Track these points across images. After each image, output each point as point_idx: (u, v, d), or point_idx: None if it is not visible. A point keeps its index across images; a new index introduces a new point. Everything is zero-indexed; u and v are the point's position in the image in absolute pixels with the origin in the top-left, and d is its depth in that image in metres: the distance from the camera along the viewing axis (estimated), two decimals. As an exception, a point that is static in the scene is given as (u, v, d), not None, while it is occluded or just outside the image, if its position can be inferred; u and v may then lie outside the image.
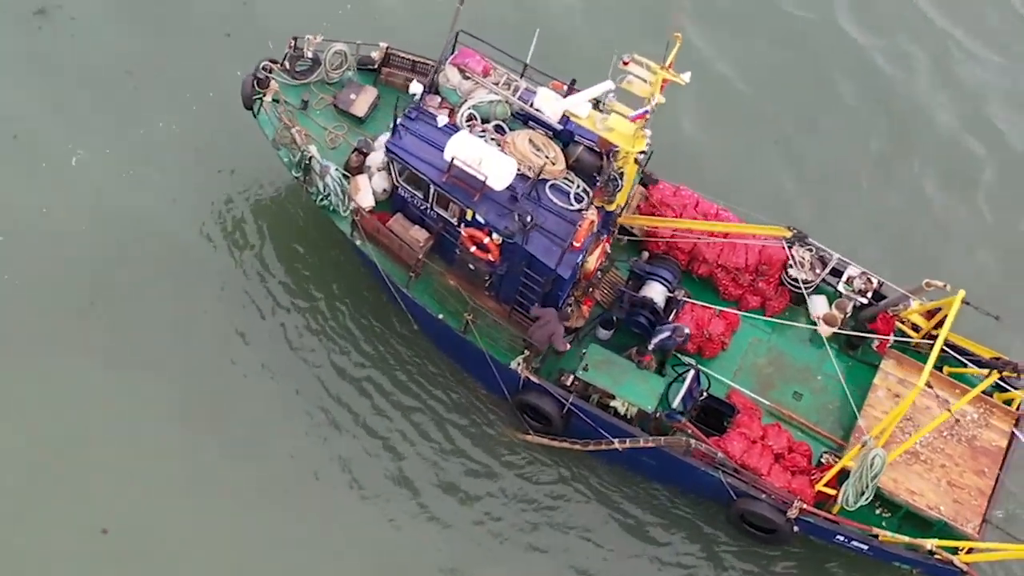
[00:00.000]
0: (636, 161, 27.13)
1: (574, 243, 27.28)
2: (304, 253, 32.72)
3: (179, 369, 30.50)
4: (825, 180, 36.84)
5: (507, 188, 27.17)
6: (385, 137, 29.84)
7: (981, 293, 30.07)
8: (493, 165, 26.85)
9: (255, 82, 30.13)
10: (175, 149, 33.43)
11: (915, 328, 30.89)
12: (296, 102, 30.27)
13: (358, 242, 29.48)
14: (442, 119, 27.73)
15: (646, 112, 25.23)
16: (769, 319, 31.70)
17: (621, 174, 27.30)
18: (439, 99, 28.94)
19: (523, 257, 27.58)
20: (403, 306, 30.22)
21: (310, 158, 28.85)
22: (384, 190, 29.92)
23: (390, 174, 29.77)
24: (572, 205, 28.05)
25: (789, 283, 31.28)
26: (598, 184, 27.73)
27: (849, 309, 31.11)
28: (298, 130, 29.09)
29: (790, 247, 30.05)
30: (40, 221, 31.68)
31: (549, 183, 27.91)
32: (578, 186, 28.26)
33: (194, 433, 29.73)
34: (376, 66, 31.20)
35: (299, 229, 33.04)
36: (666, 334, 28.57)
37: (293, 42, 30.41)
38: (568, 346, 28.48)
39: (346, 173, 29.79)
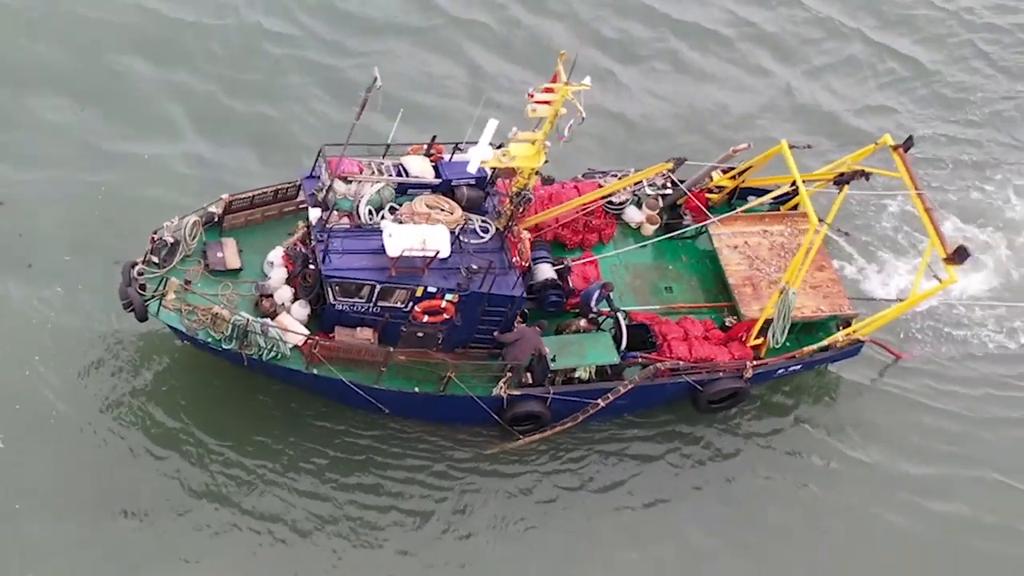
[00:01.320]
0: (537, 173, 30.11)
1: (523, 263, 30.25)
2: (232, 412, 32.87)
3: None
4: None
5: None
6: (277, 274, 30.97)
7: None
8: (435, 238, 29.09)
9: (138, 288, 29.83)
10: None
11: (720, 189, 36.09)
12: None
13: (316, 371, 30.34)
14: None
15: (571, 125, 28.41)
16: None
17: (529, 189, 30.32)
18: (335, 214, 30.20)
19: (480, 300, 30.06)
20: (373, 401, 31.48)
21: (247, 323, 29.34)
22: (306, 315, 30.85)
23: (307, 300, 30.89)
24: (484, 237, 30.70)
25: (610, 209, 35.45)
26: (510, 207, 30.57)
27: (661, 203, 35.80)
28: (219, 309, 29.49)
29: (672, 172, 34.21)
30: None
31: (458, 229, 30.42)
32: (480, 220, 30.97)
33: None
34: (217, 218, 31.44)
35: (215, 394, 33.14)
36: (597, 293, 32.43)
37: (153, 236, 30.17)
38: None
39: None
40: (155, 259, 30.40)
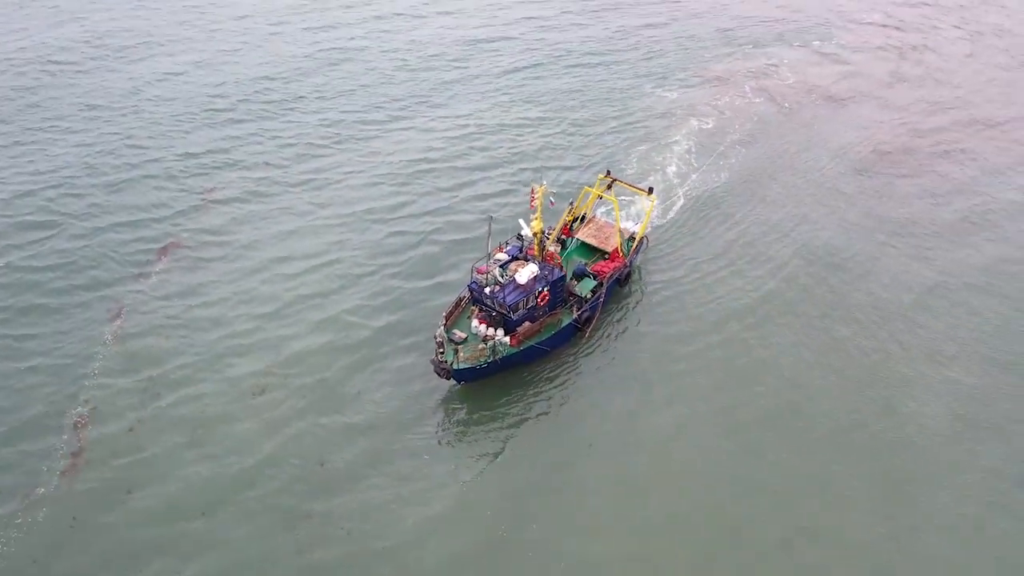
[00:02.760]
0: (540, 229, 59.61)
1: (559, 262, 59.52)
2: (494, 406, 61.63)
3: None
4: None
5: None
6: (481, 328, 59.48)
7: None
8: (533, 269, 60.21)
9: (444, 363, 57.38)
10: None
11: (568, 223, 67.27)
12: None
13: (521, 347, 58.66)
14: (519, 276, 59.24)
15: (552, 200, 58.42)
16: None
17: (543, 239, 59.37)
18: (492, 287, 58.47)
19: (555, 283, 60.57)
20: (543, 348, 62.57)
21: (494, 344, 56.16)
22: (503, 332, 59.40)
23: (500, 326, 59.62)
24: (538, 266, 60.17)
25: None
26: (544, 247, 59.25)
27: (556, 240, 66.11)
28: (483, 346, 57.00)
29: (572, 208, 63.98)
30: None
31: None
32: (531, 262, 60.20)
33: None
34: (444, 323, 58.96)
35: (486, 404, 61.37)
36: (583, 267, 62.43)
37: (435, 339, 57.05)
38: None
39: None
40: (440, 350, 58.19)
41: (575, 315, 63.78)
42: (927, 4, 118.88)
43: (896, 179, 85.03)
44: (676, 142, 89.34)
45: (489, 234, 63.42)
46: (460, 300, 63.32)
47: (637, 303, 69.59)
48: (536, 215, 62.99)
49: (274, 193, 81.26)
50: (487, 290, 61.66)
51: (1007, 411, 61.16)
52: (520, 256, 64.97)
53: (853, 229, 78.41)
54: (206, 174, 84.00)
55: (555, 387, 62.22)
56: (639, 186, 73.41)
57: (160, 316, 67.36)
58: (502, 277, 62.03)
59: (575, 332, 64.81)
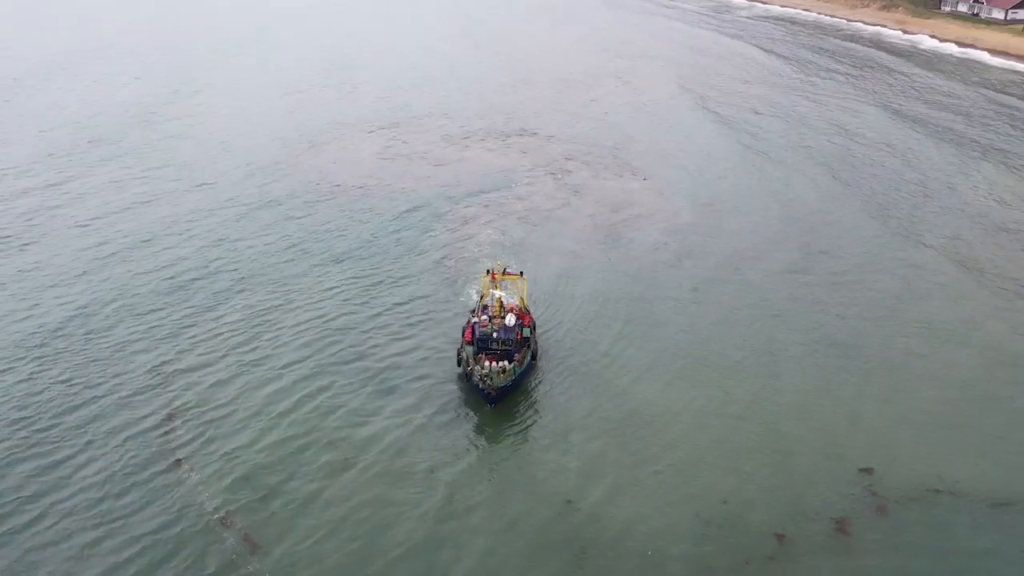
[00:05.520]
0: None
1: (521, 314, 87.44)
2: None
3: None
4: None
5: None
6: (493, 365, 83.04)
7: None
8: (514, 318, 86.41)
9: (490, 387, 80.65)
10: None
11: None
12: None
13: (522, 368, 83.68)
14: (508, 321, 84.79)
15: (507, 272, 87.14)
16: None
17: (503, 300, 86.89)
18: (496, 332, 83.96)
19: (521, 327, 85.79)
20: (525, 371, 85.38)
21: (512, 368, 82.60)
22: (508, 362, 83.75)
23: (505, 358, 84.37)
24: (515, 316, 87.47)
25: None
26: (499, 306, 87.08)
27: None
28: (509, 370, 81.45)
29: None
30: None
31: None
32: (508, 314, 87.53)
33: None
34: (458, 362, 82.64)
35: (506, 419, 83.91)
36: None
37: (480, 377, 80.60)
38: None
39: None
40: (486, 379, 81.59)
41: (532, 348, 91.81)
42: (531, 154, 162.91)
43: (626, 243, 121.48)
44: (479, 255, 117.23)
45: (480, 295, 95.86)
46: (459, 353, 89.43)
47: (546, 342, 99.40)
48: (497, 285, 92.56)
49: (240, 348, 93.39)
50: (494, 335, 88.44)
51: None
52: (493, 316, 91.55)
53: (586, 241, 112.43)
54: (155, 348, 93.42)
55: (544, 395, 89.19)
56: (513, 273, 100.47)
57: (217, 456, 77.66)
58: (490, 325, 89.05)
59: (534, 360, 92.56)
